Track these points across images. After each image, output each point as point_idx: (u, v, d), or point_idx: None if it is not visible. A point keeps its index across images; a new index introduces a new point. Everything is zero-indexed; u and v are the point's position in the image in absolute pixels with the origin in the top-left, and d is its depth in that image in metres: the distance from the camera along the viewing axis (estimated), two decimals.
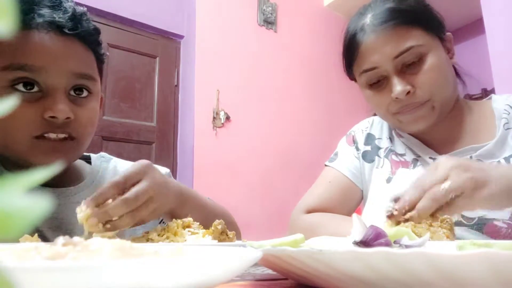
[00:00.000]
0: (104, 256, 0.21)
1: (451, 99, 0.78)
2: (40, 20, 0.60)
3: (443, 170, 0.53)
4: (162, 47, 2.76)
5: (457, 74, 0.84)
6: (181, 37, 2.83)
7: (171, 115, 2.75)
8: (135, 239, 0.54)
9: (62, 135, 0.62)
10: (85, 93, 0.66)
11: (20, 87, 0.59)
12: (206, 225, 0.58)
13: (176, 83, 2.79)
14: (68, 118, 0.61)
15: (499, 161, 0.73)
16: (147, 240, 0.53)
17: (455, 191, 0.51)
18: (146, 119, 2.63)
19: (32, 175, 0.11)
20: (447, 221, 0.56)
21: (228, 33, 2.82)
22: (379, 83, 0.77)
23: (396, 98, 0.74)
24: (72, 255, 0.21)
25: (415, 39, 0.73)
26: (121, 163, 0.82)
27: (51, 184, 0.69)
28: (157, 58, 2.73)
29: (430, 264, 0.24)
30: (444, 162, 0.55)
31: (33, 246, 0.22)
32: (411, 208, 0.53)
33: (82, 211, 0.50)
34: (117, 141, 2.47)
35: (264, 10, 3.00)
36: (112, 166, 0.80)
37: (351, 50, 0.80)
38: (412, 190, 0.54)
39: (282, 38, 3.09)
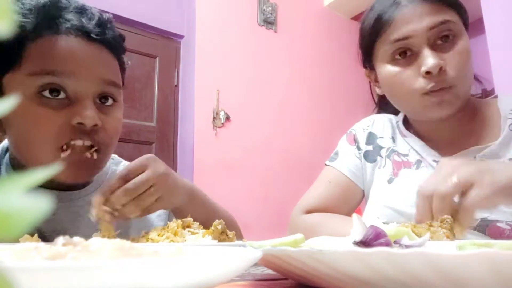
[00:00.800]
0: (104, 256, 0.21)
1: (469, 91, 0.77)
2: (67, 25, 0.59)
3: (447, 169, 0.52)
4: (162, 47, 2.76)
5: None
6: (181, 37, 2.83)
7: (171, 115, 2.75)
8: (134, 239, 0.54)
9: (88, 143, 0.61)
10: (110, 101, 0.65)
11: (47, 93, 0.58)
12: (210, 226, 0.58)
13: (176, 83, 2.79)
14: (95, 125, 0.60)
15: (504, 162, 0.72)
16: (147, 240, 0.53)
17: (464, 182, 0.50)
18: (146, 119, 2.63)
19: (32, 175, 0.11)
20: (447, 221, 0.56)
21: (228, 33, 2.82)
22: (406, 59, 0.74)
23: (427, 72, 0.70)
24: (72, 255, 0.21)
25: (452, 16, 0.73)
26: None
27: (56, 188, 0.67)
28: (157, 58, 2.73)
29: (430, 264, 0.24)
30: (447, 162, 0.55)
31: (33, 246, 0.22)
32: (429, 216, 0.52)
33: (94, 214, 0.54)
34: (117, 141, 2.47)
35: (264, 10, 3.00)
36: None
37: (380, 23, 0.77)
38: (421, 200, 0.53)
39: (282, 38, 3.09)
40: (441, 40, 0.73)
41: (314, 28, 3.30)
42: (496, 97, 0.84)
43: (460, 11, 0.76)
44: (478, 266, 0.23)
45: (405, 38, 0.73)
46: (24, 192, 0.11)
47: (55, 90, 0.58)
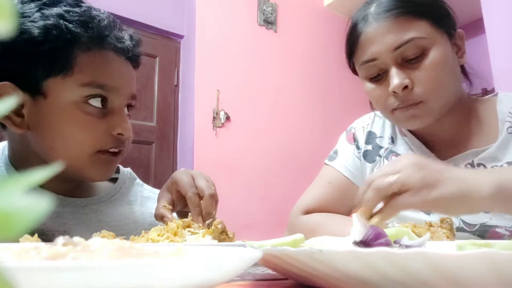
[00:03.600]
0: (104, 256, 0.21)
1: (451, 98, 0.74)
2: (114, 43, 0.66)
3: (398, 165, 0.51)
4: (162, 47, 2.76)
5: (465, 73, 0.81)
6: (181, 37, 2.83)
7: (171, 115, 2.75)
8: (134, 239, 0.54)
9: (117, 149, 0.68)
10: (128, 111, 0.72)
11: (96, 102, 0.63)
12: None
13: (176, 83, 2.79)
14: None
15: (502, 166, 0.71)
16: (147, 240, 0.53)
17: (400, 185, 0.49)
18: (146, 119, 2.63)
19: (33, 176, 0.11)
20: (447, 221, 0.56)
21: (228, 33, 2.82)
22: (378, 77, 0.75)
23: (393, 92, 0.71)
24: (72, 255, 0.21)
25: (418, 30, 0.70)
26: (146, 191, 0.85)
27: (62, 193, 0.70)
28: (157, 58, 2.73)
29: (430, 264, 0.24)
30: (404, 158, 0.53)
31: (33, 246, 0.22)
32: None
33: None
34: None
35: (264, 10, 3.00)
36: (134, 190, 0.82)
37: (351, 40, 0.78)
38: (364, 185, 0.52)
39: (282, 38, 3.09)
40: (409, 58, 0.71)
41: (314, 28, 3.30)
42: (496, 95, 0.81)
43: (435, 17, 0.72)
44: (478, 266, 0.23)
45: (372, 60, 0.74)
46: (25, 192, 0.11)
47: (102, 99, 0.64)
